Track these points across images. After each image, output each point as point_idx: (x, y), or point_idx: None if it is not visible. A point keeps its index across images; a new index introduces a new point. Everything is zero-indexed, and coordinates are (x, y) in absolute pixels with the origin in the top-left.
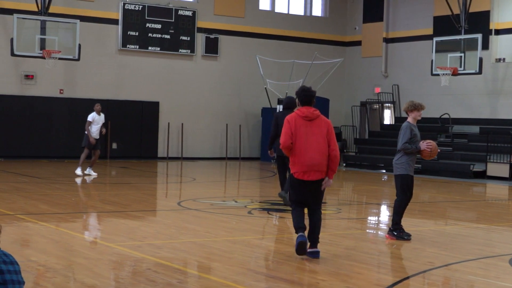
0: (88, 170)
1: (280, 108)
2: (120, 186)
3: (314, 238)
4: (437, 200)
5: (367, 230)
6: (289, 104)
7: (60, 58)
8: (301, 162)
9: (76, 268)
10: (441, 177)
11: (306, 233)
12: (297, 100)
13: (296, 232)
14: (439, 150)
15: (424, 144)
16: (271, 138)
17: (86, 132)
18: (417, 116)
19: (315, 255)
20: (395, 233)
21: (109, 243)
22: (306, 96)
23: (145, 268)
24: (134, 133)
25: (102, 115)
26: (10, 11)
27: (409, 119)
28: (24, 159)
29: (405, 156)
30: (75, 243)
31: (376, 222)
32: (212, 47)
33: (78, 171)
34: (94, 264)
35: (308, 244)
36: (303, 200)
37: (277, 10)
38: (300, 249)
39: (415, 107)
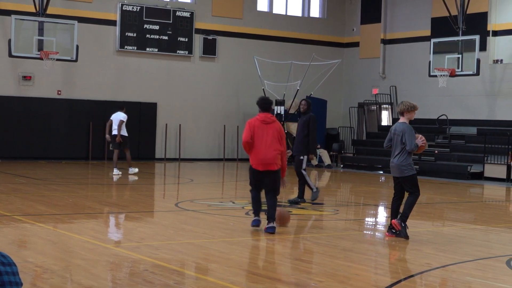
0: (116, 171)
1: (279, 110)
2: (117, 187)
3: (271, 214)
4: (435, 201)
5: (365, 231)
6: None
7: (58, 59)
8: (257, 156)
9: (74, 269)
10: (438, 178)
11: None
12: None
13: (254, 215)
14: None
15: (420, 141)
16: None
17: (118, 133)
18: (412, 116)
19: (271, 229)
20: (403, 225)
21: (107, 244)
22: (264, 104)
23: (143, 269)
24: (132, 134)
25: None
26: (8, 12)
27: (404, 120)
28: (22, 160)
29: (409, 156)
30: (72, 244)
31: (374, 223)
32: (210, 48)
33: (133, 170)
34: (91, 265)
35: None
36: (258, 185)
37: (275, 11)
38: (255, 227)
39: (414, 107)
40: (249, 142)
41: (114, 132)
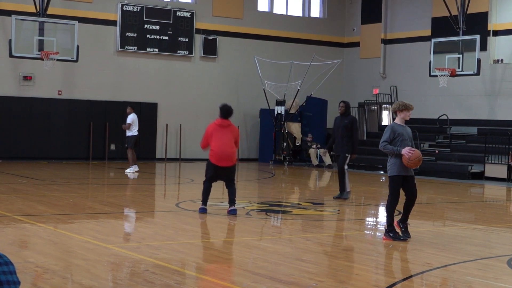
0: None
1: (280, 110)
2: (118, 187)
3: (232, 200)
4: (435, 201)
5: (365, 231)
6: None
7: (58, 60)
8: (216, 154)
9: (74, 269)
10: (439, 178)
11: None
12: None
13: (202, 203)
14: (419, 164)
15: (406, 149)
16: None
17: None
18: (406, 116)
19: (233, 212)
20: (391, 235)
21: (107, 244)
22: (225, 112)
23: (143, 269)
24: None
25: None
26: (8, 13)
27: (397, 120)
28: (22, 160)
29: (394, 157)
30: (73, 245)
31: (374, 223)
32: (210, 48)
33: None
34: (92, 265)
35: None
36: (214, 178)
37: (275, 11)
38: (202, 214)
39: (406, 106)
40: (206, 148)
41: (136, 132)
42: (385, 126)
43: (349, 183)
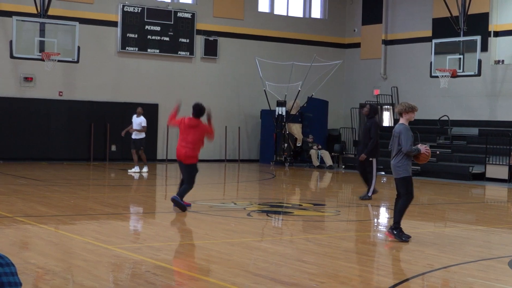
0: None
1: (281, 110)
2: (119, 188)
3: (180, 194)
4: (436, 202)
5: (366, 232)
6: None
7: (59, 60)
8: (177, 151)
9: (75, 270)
10: (440, 179)
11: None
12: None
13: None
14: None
15: (423, 148)
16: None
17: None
18: (411, 117)
19: (176, 198)
20: (395, 232)
21: (108, 245)
22: (196, 111)
23: (144, 270)
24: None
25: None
26: (9, 13)
27: (403, 121)
28: (23, 161)
29: (405, 158)
30: (74, 245)
31: (375, 224)
32: (211, 49)
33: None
34: (93, 267)
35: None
36: (181, 174)
37: (276, 12)
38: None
39: (412, 108)
40: (170, 123)
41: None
42: (387, 127)
43: (373, 189)
